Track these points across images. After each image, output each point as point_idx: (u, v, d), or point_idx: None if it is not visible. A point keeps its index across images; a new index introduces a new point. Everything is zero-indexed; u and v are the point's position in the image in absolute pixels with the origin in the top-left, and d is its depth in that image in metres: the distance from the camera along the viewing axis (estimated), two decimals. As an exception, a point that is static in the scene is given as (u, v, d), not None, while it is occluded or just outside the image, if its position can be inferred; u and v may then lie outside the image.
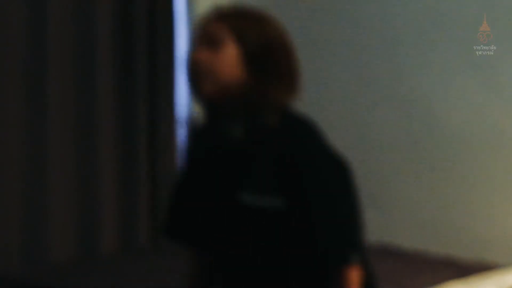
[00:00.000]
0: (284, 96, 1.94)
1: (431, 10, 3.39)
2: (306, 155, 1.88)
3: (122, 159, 3.54)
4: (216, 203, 1.95)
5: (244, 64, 1.91)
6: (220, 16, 1.95)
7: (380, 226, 3.34)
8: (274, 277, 1.93)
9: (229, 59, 1.91)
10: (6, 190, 3.18)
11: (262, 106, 1.92)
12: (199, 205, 2.00)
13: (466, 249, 3.26)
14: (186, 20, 3.87)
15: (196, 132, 2.10)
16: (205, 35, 1.94)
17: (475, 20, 3.20)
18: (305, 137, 1.90)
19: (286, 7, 3.57)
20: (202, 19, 1.98)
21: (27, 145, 3.24)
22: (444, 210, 3.38)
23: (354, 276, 1.89)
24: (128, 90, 3.55)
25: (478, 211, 3.29)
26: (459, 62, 3.30)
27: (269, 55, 1.94)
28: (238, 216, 1.91)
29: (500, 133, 3.21)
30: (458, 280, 2.75)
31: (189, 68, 1.95)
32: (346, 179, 1.94)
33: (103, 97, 3.45)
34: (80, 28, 3.38)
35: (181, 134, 3.80)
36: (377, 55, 3.53)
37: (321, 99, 3.64)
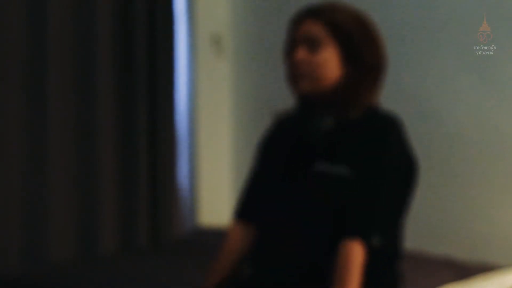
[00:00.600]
0: (374, 91, 2.03)
1: (431, 10, 3.39)
2: (380, 144, 1.97)
3: (122, 159, 3.54)
4: (289, 172, 2.04)
5: (342, 62, 2.00)
6: (315, 15, 2.01)
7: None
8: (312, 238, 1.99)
9: (329, 60, 1.99)
10: (6, 190, 3.18)
11: (353, 102, 2.00)
12: (269, 182, 2.09)
13: (466, 249, 3.26)
14: (186, 20, 3.87)
15: (280, 121, 2.17)
16: (303, 36, 2.01)
17: (475, 20, 3.20)
18: (383, 130, 1.98)
19: (288, 7, 3.57)
20: (296, 19, 2.05)
21: (27, 145, 3.24)
22: (444, 210, 3.38)
23: (358, 253, 1.90)
24: (128, 90, 3.55)
25: (478, 211, 3.29)
26: (459, 62, 3.30)
27: (365, 52, 2.01)
28: (307, 180, 2.00)
29: (500, 132, 3.21)
30: (458, 282, 2.75)
31: (289, 68, 2.04)
32: (407, 178, 2.04)
33: (103, 97, 3.45)
34: (80, 28, 3.39)
35: (181, 134, 3.80)
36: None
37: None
